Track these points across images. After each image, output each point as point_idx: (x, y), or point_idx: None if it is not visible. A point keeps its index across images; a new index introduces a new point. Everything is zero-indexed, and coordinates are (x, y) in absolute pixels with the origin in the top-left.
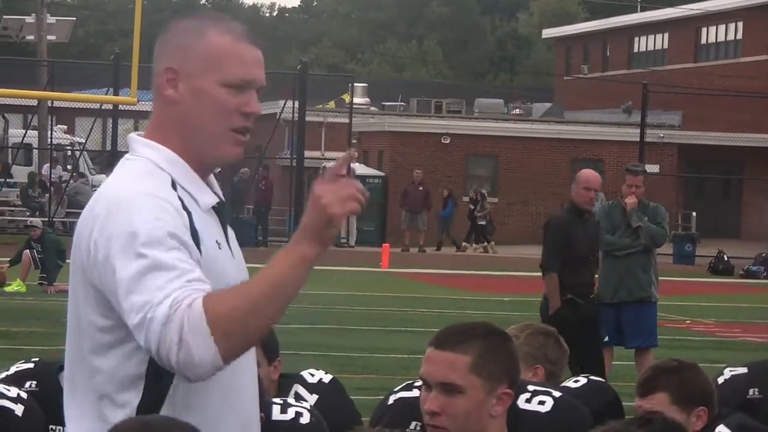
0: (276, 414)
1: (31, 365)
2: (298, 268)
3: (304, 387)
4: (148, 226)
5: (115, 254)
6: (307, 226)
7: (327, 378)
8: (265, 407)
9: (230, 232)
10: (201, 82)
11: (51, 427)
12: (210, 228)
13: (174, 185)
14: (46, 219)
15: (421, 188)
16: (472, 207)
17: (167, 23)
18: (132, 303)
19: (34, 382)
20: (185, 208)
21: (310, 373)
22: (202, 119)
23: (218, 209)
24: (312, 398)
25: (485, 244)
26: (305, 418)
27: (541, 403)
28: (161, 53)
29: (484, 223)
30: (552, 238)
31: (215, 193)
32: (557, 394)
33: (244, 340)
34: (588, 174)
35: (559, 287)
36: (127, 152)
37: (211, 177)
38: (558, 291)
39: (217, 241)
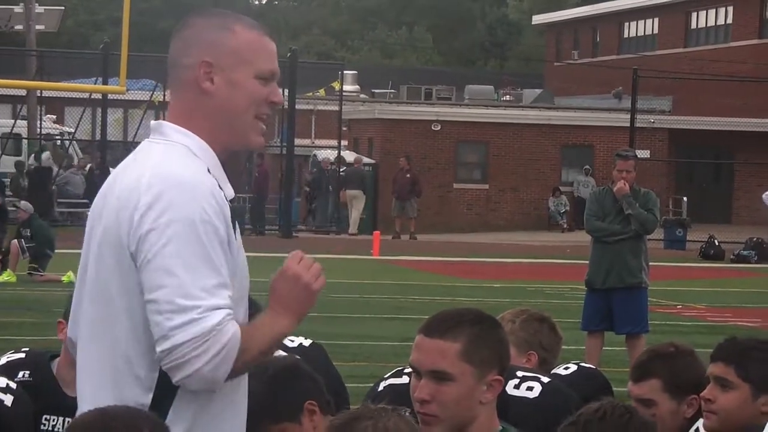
0: None
1: (23, 355)
2: (279, 340)
3: (285, 352)
4: (206, 217)
5: (169, 234)
6: (290, 304)
7: (307, 342)
8: None
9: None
10: (236, 74)
11: (46, 417)
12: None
13: (209, 173)
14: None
15: (408, 175)
16: (308, 190)
17: (184, 21)
18: (177, 287)
19: (27, 372)
20: (224, 198)
21: (290, 339)
22: (236, 109)
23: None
24: None
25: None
26: None
27: (530, 389)
28: (188, 49)
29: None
30: None
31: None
32: (546, 380)
33: (241, 373)
34: None
35: None
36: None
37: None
38: None
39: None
